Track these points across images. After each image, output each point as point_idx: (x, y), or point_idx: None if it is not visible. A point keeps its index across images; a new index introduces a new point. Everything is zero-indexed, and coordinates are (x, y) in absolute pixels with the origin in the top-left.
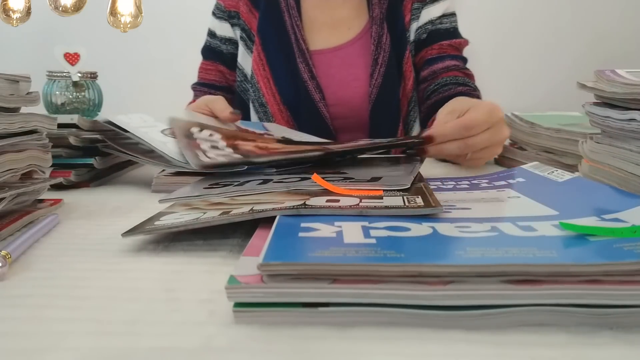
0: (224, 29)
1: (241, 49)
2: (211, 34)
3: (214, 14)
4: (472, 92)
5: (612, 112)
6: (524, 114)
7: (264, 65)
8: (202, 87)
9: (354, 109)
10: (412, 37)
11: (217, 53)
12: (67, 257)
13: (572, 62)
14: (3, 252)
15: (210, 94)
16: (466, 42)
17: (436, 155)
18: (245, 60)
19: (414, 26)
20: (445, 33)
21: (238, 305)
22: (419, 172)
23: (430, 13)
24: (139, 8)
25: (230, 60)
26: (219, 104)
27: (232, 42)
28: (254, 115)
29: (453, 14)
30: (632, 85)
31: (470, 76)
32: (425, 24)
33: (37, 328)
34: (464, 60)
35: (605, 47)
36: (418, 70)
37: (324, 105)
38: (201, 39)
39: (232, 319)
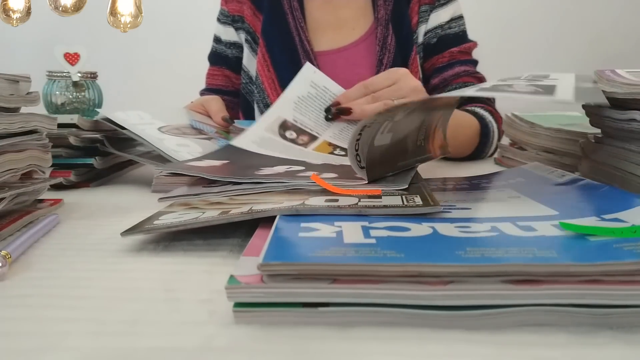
0: (229, 34)
1: (246, 52)
2: (217, 39)
3: (218, 19)
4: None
5: (612, 112)
6: (524, 114)
7: (269, 67)
8: (209, 93)
9: None
10: (420, 39)
11: (222, 58)
12: (67, 257)
13: (572, 62)
14: (3, 252)
15: None
16: (475, 45)
17: (361, 115)
18: (250, 62)
19: (422, 29)
20: (454, 38)
21: (238, 305)
22: (417, 172)
23: (439, 17)
24: (139, 8)
25: (235, 65)
26: (213, 105)
27: (237, 46)
28: (258, 116)
29: (460, 17)
30: (632, 85)
31: (480, 79)
32: (435, 28)
33: (37, 328)
34: (474, 63)
35: (605, 47)
36: (428, 77)
37: None
38: (201, 39)
39: (232, 319)
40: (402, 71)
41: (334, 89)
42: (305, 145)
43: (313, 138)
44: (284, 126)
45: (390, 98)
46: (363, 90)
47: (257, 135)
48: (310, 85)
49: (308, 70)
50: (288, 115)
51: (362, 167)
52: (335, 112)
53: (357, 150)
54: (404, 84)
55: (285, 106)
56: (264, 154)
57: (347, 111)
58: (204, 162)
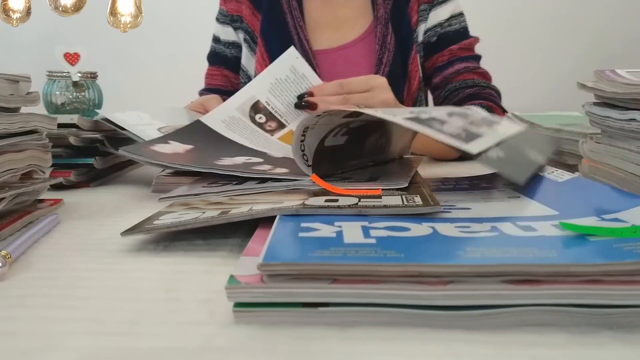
0: (228, 34)
1: (245, 51)
2: (215, 39)
3: (217, 19)
4: (482, 91)
5: (612, 112)
6: (524, 114)
7: (267, 66)
8: (208, 93)
9: None
10: (420, 38)
11: (221, 58)
12: (67, 257)
13: (572, 62)
14: (3, 252)
15: None
16: (476, 40)
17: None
18: (249, 61)
19: (422, 28)
20: (455, 35)
21: (238, 305)
22: (417, 171)
23: (438, 15)
24: (139, 8)
25: (234, 64)
26: (213, 104)
27: (236, 46)
28: None
29: (461, 14)
30: (632, 85)
31: (482, 75)
32: (434, 26)
33: (37, 328)
34: (476, 58)
35: (605, 47)
36: (429, 76)
37: None
38: (201, 39)
39: (232, 319)
40: (380, 81)
41: (312, 79)
42: (272, 132)
43: (281, 126)
44: (256, 108)
45: (360, 105)
46: (337, 89)
47: (227, 114)
48: (289, 70)
49: (291, 55)
50: (262, 96)
51: (308, 165)
52: (303, 104)
53: (302, 150)
54: (376, 94)
55: (261, 85)
56: (229, 139)
57: (313, 106)
58: (169, 147)
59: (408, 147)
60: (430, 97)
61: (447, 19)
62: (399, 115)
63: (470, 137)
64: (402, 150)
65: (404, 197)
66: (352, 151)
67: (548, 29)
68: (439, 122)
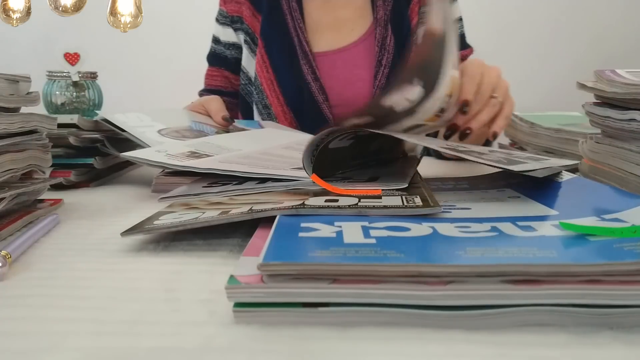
0: (228, 35)
1: (245, 53)
2: (215, 40)
3: (217, 20)
4: None
5: (612, 112)
6: (524, 114)
7: (267, 68)
8: (208, 94)
9: None
10: (420, 40)
11: (222, 59)
12: (67, 257)
13: (572, 62)
14: (3, 252)
15: None
16: (470, 51)
17: (478, 126)
18: (249, 63)
19: (422, 30)
20: None
21: (238, 305)
22: (417, 171)
23: None
24: (139, 8)
25: (234, 65)
26: (213, 104)
27: (236, 47)
28: (257, 117)
29: (459, 19)
30: (632, 85)
31: None
32: None
33: (37, 328)
34: None
35: (605, 47)
36: None
37: (327, 106)
38: (201, 39)
39: (232, 319)
40: (478, 63)
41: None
42: None
43: None
44: None
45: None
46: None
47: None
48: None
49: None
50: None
51: (311, 163)
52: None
53: (318, 146)
54: (494, 81)
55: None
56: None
57: (467, 133)
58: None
59: (416, 147)
60: None
61: None
62: (434, 144)
63: (512, 162)
64: (410, 148)
65: (404, 197)
66: (356, 153)
67: (548, 29)
68: (477, 153)
